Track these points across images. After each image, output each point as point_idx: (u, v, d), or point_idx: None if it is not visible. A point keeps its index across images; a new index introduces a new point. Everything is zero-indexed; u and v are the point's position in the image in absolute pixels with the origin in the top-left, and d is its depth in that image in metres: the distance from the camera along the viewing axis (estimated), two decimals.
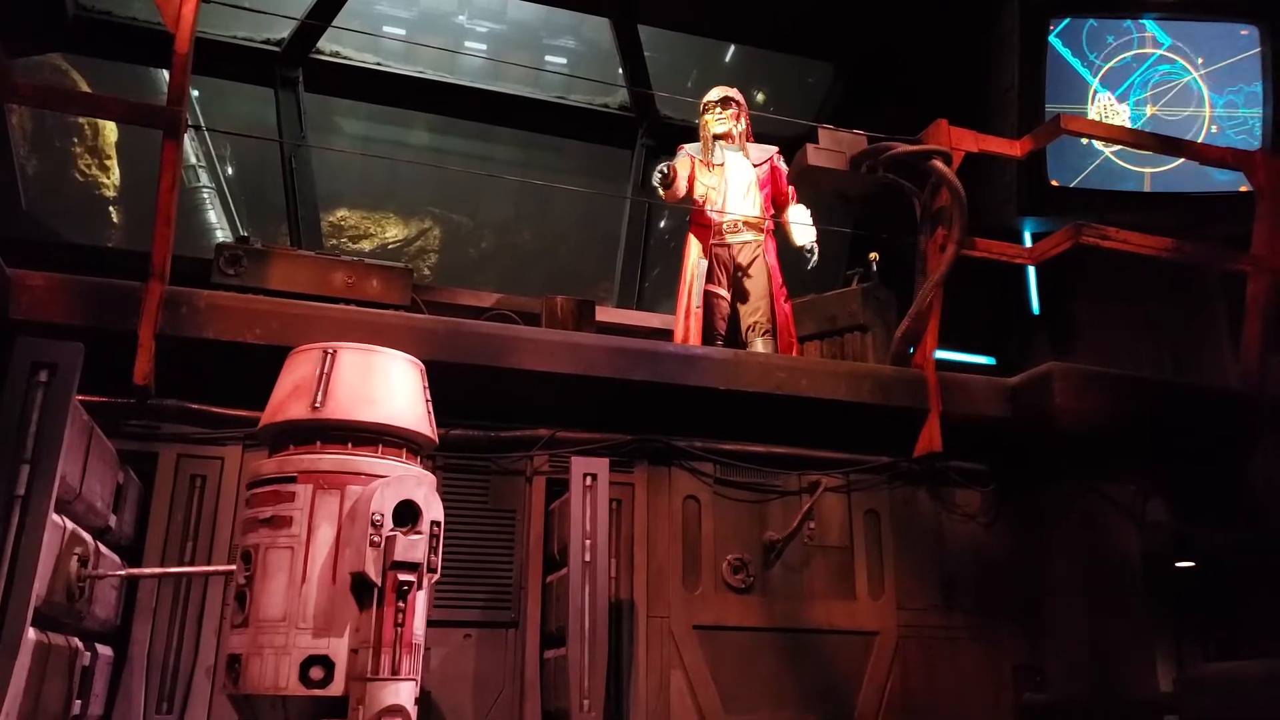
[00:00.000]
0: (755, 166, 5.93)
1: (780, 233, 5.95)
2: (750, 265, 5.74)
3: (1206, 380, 6.70)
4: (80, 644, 3.29)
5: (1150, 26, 8.34)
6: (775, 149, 6.04)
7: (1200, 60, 8.37)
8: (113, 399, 3.82)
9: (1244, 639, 4.68)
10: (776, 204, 5.96)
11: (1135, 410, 5.07)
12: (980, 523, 5.13)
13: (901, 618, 4.82)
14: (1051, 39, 8.15)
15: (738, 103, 6.03)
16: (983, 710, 4.83)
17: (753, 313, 5.69)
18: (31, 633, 2.72)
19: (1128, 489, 5.06)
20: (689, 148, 6.08)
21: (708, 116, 6.02)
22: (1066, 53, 8.21)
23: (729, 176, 5.89)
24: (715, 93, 6.09)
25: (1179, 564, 5.06)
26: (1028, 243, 7.74)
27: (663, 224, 11.69)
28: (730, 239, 5.81)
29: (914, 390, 4.96)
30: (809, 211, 5.98)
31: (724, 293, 5.78)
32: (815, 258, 5.95)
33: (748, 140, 6.00)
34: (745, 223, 5.80)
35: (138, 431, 3.95)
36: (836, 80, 9.41)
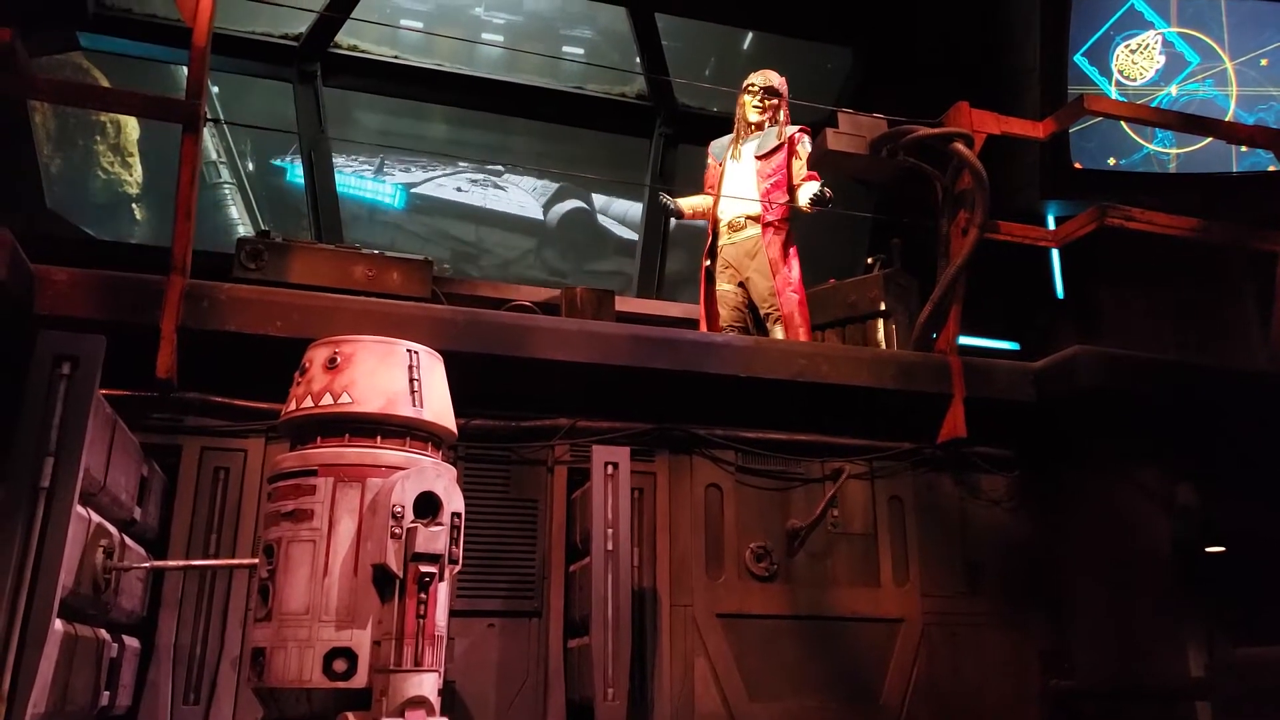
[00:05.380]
0: (767, 156, 5.74)
1: (803, 217, 5.79)
2: (754, 259, 5.65)
3: (1234, 363, 6.59)
4: (107, 635, 3.32)
5: (1171, 36, 8.22)
6: (796, 129, 5.82)
7: (1227, 40, 8.24)
8: (136, 392, 3.84)
9: (1276, 624, 4.60)
10: (791, 189, 5.72)
11: (1162, 393, 5.00)
12: (1005, 508, 5.09)
13: (926, 604, 4.79)
14: (1076, 59, 8.07)
15: (781, 95, 5.86)
16: (1009, 697, 4.80)
17: (763, 304, 5.63)
18: (58, 624, 2.75)
19: (1155, 473, 4.99)
20: (714, 147, 6.03)
21: (747, 98, 5.89)
22: (1094, 71, 8.11)
23: (736, 170, 5.82)
24: (759, 78, 5.90)
25: (1208, 549, 4.99)
26: (1051, 226, 7.66)
27: None
28: (734, 236, 5.74)
29: (937, 375, 4.92)
30: (819, 186, 5.63)
31: (730, 287, 5.74)
32: (827, 193, 5.55)
33: (786, 126, 5.82)
34: (748, 216, 5.70)
35: (161, 425, 3.97)
36: (855, 64, 9.33)
